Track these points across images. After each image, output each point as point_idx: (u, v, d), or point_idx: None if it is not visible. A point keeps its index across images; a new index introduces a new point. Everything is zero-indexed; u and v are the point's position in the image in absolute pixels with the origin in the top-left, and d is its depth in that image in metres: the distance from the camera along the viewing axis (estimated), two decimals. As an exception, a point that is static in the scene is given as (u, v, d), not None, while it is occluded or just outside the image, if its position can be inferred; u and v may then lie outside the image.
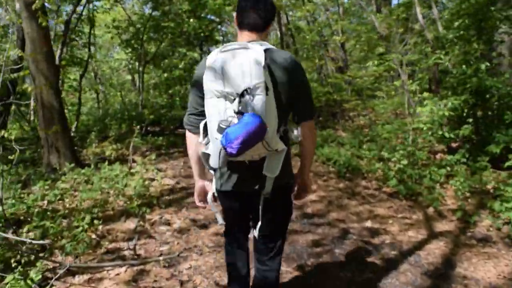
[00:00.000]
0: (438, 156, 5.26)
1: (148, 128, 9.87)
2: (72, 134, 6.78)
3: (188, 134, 1.58)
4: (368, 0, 12.05)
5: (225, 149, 1.21)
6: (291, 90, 1.42)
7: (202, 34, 13.12)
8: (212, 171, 1.56)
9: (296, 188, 1.70)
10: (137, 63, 9.34)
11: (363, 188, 4.52)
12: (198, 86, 1.41)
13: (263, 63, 1.25)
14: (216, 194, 1.62)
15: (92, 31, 7.64)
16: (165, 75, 8.25)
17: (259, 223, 1.56)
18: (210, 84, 1.29)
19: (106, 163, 4.88)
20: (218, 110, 1.28)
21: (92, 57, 7.68)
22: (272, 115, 1.31)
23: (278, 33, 13.09)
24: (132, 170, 4.92)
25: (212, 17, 13.87)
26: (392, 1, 12.78)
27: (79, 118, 7.36)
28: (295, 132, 1.53)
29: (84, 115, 10.53)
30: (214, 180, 1.59)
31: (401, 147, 4.72)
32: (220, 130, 1.26)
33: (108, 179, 4.37)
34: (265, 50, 1.33)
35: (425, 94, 5.47)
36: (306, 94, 1.49)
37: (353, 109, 9.57)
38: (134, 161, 5.39)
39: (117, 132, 9.11)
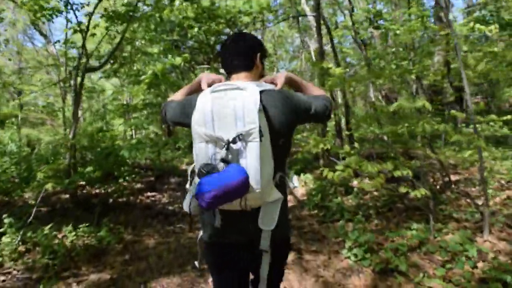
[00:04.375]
0: None
1: (88, 191, 5.54)
2: None
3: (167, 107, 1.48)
4: None
5: (196, 198, 1.14)
6: (290, 123, 1.31)
7: (209, 48, 9.56)
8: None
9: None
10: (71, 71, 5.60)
11: None
12: (186, 112, 1.33)
13: (258, 106, 1.16)
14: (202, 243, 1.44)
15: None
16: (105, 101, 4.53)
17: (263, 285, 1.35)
18: (199, 128, 1.21)
19: None
20: (206, 154, 1.21)
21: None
22: (267, 162, 1.22)
23: (317, 45, 9.29)
24: None
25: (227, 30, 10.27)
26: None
27: None
28: (293, 180, 1.41)
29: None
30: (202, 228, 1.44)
31: None
32: (200, 175, 1.16)
33: None
34: (261, 92, 1.23)
35: None
36: (310, 101, 1.37)
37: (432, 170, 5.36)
38: None
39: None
